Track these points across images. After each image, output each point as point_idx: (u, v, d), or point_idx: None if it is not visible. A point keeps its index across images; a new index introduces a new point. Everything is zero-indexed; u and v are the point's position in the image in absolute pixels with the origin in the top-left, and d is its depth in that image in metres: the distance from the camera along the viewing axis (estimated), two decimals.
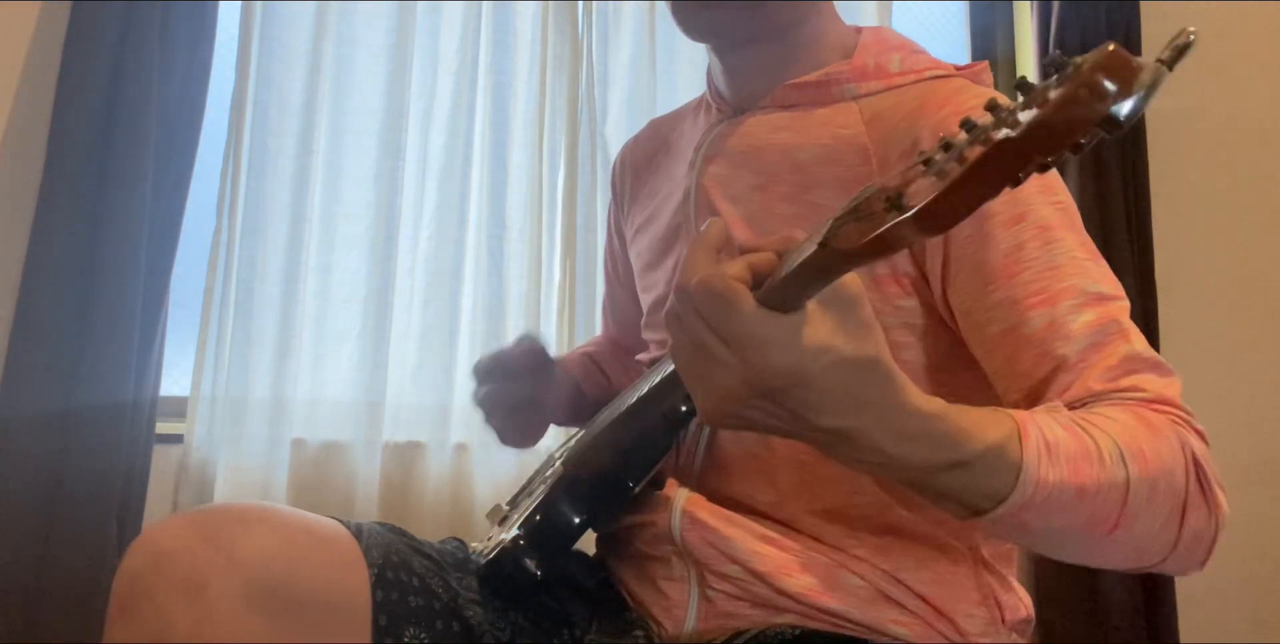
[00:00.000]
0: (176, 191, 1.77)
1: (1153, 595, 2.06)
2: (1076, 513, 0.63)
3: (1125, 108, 0.37)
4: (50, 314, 1.65)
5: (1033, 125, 0.38)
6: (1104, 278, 0.76)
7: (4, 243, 1.70)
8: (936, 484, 0.61)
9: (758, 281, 0.56)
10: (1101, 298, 0.75)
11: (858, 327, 0.56)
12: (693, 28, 0.92)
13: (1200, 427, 0.71)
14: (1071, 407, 0.70)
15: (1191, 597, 2.11)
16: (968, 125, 0.41)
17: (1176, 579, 2.07)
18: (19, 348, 1.63)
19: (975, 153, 0.40)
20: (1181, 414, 0.71)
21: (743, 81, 0.95)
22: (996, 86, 0.91)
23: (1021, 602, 0.87)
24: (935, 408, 0.60)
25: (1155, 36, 2.29)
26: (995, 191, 0.40)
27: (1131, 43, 2.25)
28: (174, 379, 1.87)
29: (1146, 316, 2.16)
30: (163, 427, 1.76)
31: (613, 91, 2.10)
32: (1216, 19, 2.41)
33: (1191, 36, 0.38)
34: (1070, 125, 0.37)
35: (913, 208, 0.42)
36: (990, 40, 2.44)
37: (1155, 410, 0.70)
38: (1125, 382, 0.71)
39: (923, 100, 0.83)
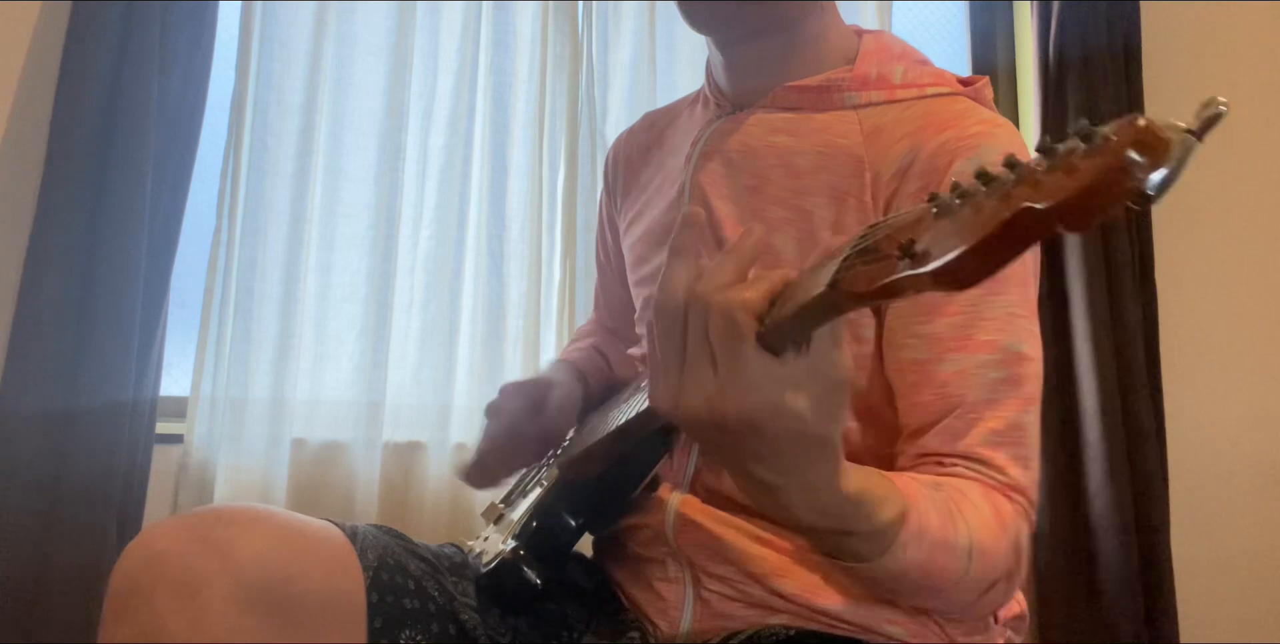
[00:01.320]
0: (176, 191, 1.77)
1: (1153, 595, 2.05)
2: (915, 583, 0.71)
3: (1154, 179, 0.37)
4: (50, 314, 1.65)
5: (1064, 200, 0.37)
6: (1028, 338, 0.80)
7: (4, 243, 1.70)
8: (818, 539, 0.69)
9: (771, 306, 0.57)
10: (1019, 358, 0.79)
11: (831, 407, 0.58)
12: (698, 20, 0.92)
13: (1033, 516, 0.79)
14: (950, 455, 0.77)
15: (1191, 597, 2.11)
16: (984, 177, 0.41)
17: (1176, 579, 2.07)
18: (19, 348, 1.64)
19: (994, 210, 0.39)
20: (1027, 505, 0.78)
21: (743, 77, 0.95)
22: (996, 90, 0.92)
23: (1015, 599, 0.87)
24: (852, 490, 0.64)
25: (1155, 37, 2.29)
26: (1017, 254, 0.40)
27: (1131, 43, 2.25)
28: (174, 379, 1.87)
29: (1147, 317, 2.15)
30: (163, 427, 1.76)
31: (613, 91, 2.10)
32: (1216, 19, 2.41)
33: (1222, 108, 0.38)
34: (1101, 201, 0.37)
35: (927, 258, 0.42)
36: (990, 41, 2.44)
37: (1009, 497, 0.76)
38: (1001, 455, 0.77)
39: (925, 120, 0.83)
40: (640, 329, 1.04)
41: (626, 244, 1.07)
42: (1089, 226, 0.38)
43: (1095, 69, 2.19)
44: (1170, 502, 2.11)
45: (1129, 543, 2.03)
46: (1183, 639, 2.09)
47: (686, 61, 2.11)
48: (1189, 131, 0.37)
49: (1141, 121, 0.37)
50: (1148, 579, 2.05)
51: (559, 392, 0.99)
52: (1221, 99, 0.38)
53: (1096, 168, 0.36)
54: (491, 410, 0.99)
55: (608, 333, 1.22)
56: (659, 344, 0.61)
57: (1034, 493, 0.78)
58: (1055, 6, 2.22)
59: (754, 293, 0.56)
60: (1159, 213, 2.23)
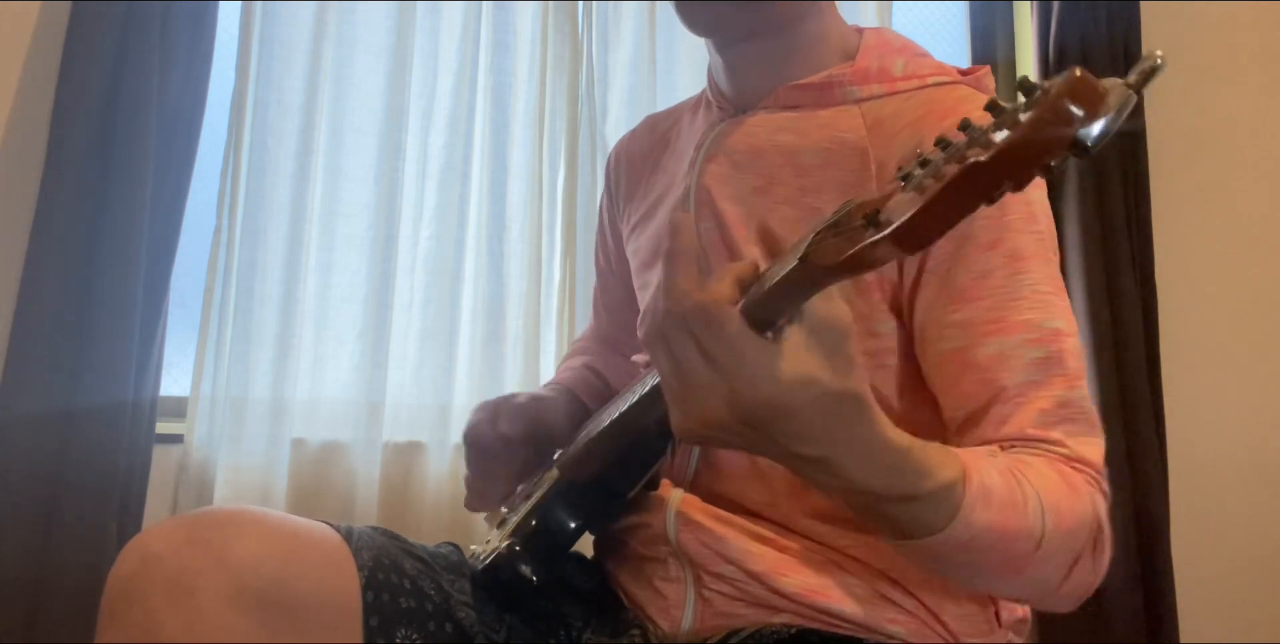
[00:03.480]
0: (176, 191, 1.77)
1: (1153, 595, 2.05)
2: (992, 553, 0.68)
3: (1093, 131, 0.38)
4: (50, 314, 1.65)
5: (1001, 150, 0.38)
6: (1061, 314, 0.78)
7: (4, 243, 1.70)
8: (884, 510, 0.65)
9: (743, 293, 0.57)
10: (1056, 334, 0.77)
11: (843, 361, 0.57)
12: (696, 23, 0.92)
13: (1106, 488, 0.75)
14: (1004, 442, 0.75)
15: (1191, 597, 2.11)
16: (943, 143, 0.42)
17: (1176, 579, 2.07)
18: (19, 348, 1.63)
19: (950, 171, 0.40)
20: (1096, 475, 0.75)
21: (744, 79, 0.95)
22: (996, 88, 0.91)
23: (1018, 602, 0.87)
24: (903, 443, 0.62)
25: (1155, 36, 2.29)
26: (969, 211, 0.41)
27: (1131, 43, 2.24)
28: (174, 379, 1.87)
29: (1146, 316, 2.15)
30: (163, 427, 1.76)
31: (613, 91, 2.10)
32: (1216, 19, 2.41)
33: (1159, 61, 0.39)
34: (1038, 150, 0.38)
35: (889, 224, 0.43)
36: (990, 41, 2.43)
37: (1075, 469, 0.74)
38: (1055, 432, 0.75)
39: (927, 108, 0.83)
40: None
41: (630, 249, 1.06)
42: (1030, 174, 0.39)
43: (1095, 69, 2.16)
44: (1170, 502, 2.10)
45: (1129, 543, 2.03)
46: (1183, 640, 2.09)
47: (686, 61, 2.11)
48: (1126, 84, 0.39)
49: (1078, 72, 0.38)
50: (1148, 580, 2.05)
51: (525, 400, 0.98)
52: (1158, 52, 0.40)
53: (1034, 119, 0.38)
54: (470, 435, 0.98)
55: (603, 344, 1.21)
56: (662, 379, 0.60)
57: (1100, 465, 0.75)
58: (1055, 6, 2.22)
59: (720, 285, 0.56)
60: (1159, 212, 2.23)
